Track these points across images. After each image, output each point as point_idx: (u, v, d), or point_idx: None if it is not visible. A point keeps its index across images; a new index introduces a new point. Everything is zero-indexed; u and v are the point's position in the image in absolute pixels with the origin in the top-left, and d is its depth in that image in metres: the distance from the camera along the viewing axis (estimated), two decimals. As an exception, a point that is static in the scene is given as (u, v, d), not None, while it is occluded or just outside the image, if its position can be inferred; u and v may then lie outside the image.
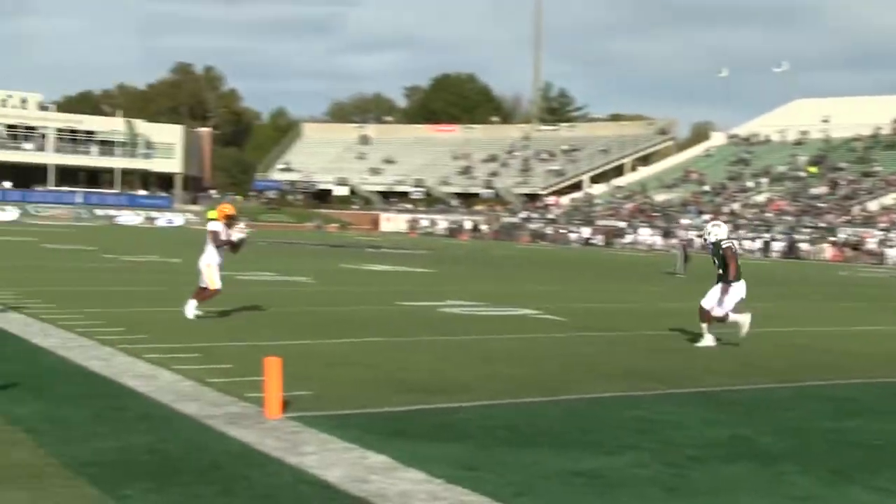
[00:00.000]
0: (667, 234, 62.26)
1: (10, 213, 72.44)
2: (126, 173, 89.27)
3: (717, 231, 12.01)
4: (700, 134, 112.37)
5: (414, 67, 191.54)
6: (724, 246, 11.84)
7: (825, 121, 74.32)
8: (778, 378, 9.34)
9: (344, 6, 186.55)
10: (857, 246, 53.50)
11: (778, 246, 56.50)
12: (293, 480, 5.09)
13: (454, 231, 76.39)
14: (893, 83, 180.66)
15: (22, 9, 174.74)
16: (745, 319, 11.61)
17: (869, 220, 56.65)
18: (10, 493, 4.68)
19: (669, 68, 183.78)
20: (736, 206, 65.27)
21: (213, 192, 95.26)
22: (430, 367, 9.14)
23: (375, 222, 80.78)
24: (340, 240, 54.55)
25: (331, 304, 15.29)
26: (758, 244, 57.57)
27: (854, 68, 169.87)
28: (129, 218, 77.14)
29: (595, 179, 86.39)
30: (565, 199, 79.56)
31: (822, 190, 64.24)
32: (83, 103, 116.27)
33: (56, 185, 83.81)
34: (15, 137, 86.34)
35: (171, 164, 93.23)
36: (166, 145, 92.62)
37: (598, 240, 65.99)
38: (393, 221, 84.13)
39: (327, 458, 5.58)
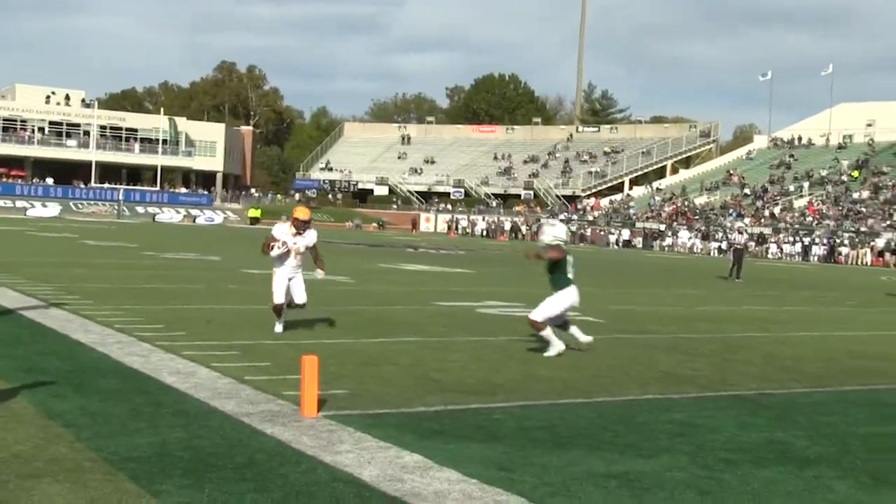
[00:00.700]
0: (706, 237, 61.80)
1: (52, 209, 73.47)
2: (167, 171, 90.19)
3: (554, 231, 10.59)
4: (742, 137, 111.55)
5: (457, 68, 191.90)
6: (551, 245, 10.40)
7: (869, 125, 73.37)
8: (815, 382, 9.23)
9: (389, 6, 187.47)
10: (899, 251, 52.80)
11: (818, 250, 55.86)
12: (328, 478, 5.11)
13: (493, 232, 76.34)
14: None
15: (67, 6, 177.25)
16: (585, 339, 10.51)
17: (912, 225, 55.89)
18: (50, 486, 4.75)
19: (713, 71, 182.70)
20: (777, 210, 64.62)
21: (253, 190, 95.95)
22: (466, 368, 9.13)
23: (415, 222, 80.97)
24: (379, 239, 54.71)
25: (369, 303, 15.33)
26: (798, 248, 56.98)
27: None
28: (170, 215, 77.90)
29: (636, 181, 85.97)
30: (605, 201, 79.21)
31: (864, 194, 63.41)
32: (126, 100, 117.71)
33: (98, 182, 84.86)
34: (59, 134, 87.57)
35: (213, 163, 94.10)
36: (208, 143, 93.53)
37: (637, 242, 65.64)
38: (432, 222, 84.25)
39: (362, 456, 5.60)
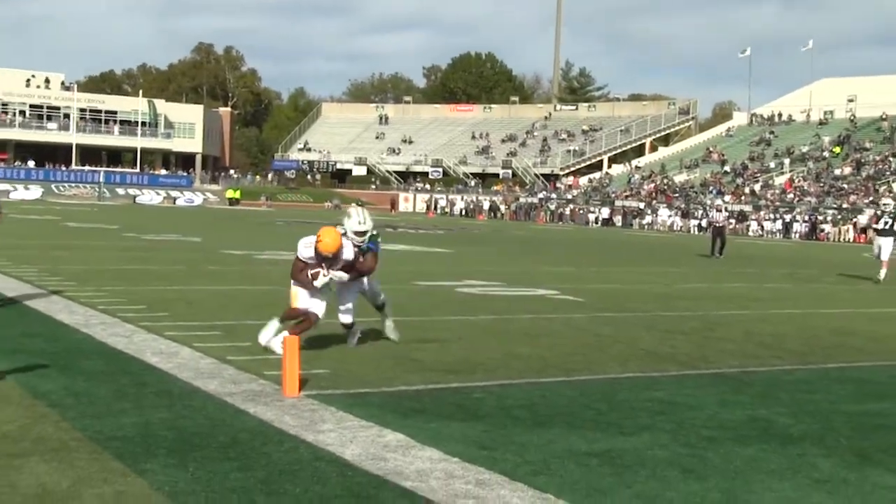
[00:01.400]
0: (685, 214, 62.05)
1: (34, 192, 73.10)
2: (147, 153, 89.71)
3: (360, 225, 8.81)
4: (721, 114, 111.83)
5: (433, 47, 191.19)
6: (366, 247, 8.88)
7: (850, 100, 73.60)
8: (798, 360, 9.30)
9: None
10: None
11: (799, 227, 56.19)
12: (311, 457, 5.15)
13: (472, 211, 76.38)
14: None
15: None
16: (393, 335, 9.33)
17: (894, 201, 56.24)
18: (37, 465, 4.77)
19: (691, 48, 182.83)
20: (757, 187, 64.92)
21: (232, 172, 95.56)
22: (446, 347, 9.18)
23: (394, 202, 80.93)
24: (359, 219, 54.53)
25: (349, 283, 15.33)
26: (778, 225, 57.29)
27: (881, 46, 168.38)
28: (150, 197, 77.56)
29: (614, 160, 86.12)
30: (584, 180, 79.34)
31: (846, 171, 63.75)
32: (105, 83, 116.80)
33: (79, 165, 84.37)
34: (39, 117, 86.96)
35: (192, 144, 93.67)
36: (187, 125, 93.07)
37: (617, 220, 65.84)
38: (411, 201, 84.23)
39: (344, 435, 5.64)
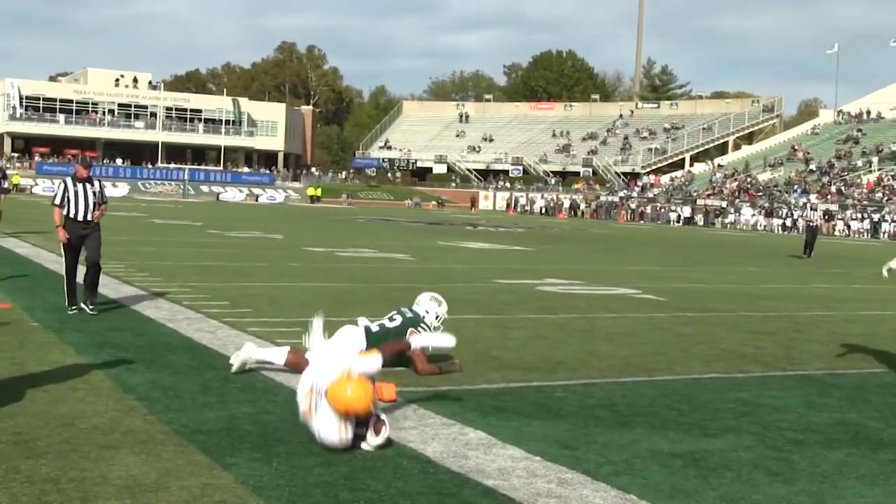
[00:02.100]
0: (769, 213, 60.86)
1: (122, 189, 74.95)
2: (230, 151, 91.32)
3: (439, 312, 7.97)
4: (807, 111, 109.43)
5: (514, 45, 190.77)
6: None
7: (942, 97, 71.42)
8: (887, 363, 9.04)
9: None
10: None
11: (889, 227, 54.69)
12: (393, 454, 5.18)
13: (552, 209, 76.05)
14: None
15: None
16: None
17: None
18: (127, 457, 4.89)
19: (776, 44, 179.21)
20: (844, 186, 63.37)
21: (313, 169, 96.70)
22: (526, 346, 9.15)
23: (473, 200, 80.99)
24: (438, 217, 54.82)
25: (429, 280, 15.39)
26: (866, 225, 55.84)
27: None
28: (233, 194, 78.89)
29: (696, 158, 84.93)
30: (665, 178, 78.38)
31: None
32: (191, 82, 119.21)
33: (164, 163, 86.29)
34: (127, 116, 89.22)
35: (274, 142, 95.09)
36: (269, 123, 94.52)
37: (699, 219, 64.91)
38: (490, 199, 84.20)
39: (426, 432, 5.66)
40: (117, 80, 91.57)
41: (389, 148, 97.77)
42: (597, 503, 4.51)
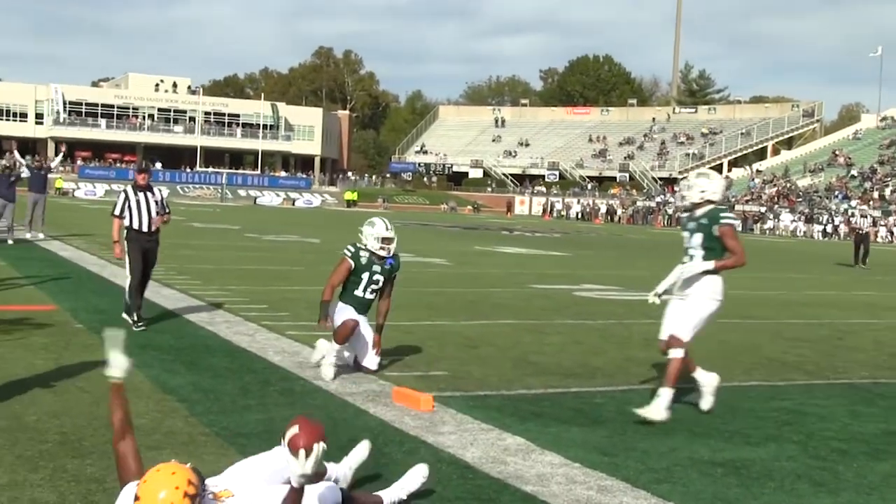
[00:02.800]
0: (809, 219, 60.19)
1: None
2: (267, 155, 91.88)
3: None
4: (848, 116, 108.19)
5: (550, 50, 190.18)
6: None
7: None
8: (931, 372, 8.89)
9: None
10: None
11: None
12: (432, 459, 5.16)
13: (588, 215, 75.75)
14: None
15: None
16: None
17: None
18: (167, 458, 4.89)
19: (816, 48, 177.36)
20: (887, 192, 62.53)
21: (350, 174, 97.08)
22: (564, 351, 9.11)
23: (509, 205, 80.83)
24: (474, 222, 54.78)
25: (466, 285, 15.39)
26: (909, 231, 55.08)
27: None
28: (270, 198, 79.34)
29: (734, 163, 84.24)
30: (704, 184, 77.69)
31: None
32: (229, 87, 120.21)
33: (202, 167, 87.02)
34: (167, 121, 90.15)
35: (311, 147, 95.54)
36: (306, 128, 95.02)
37: (737, 225, 64.35)
38: (526, 204, 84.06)
39: (465, 438, 5.64)
40: (157, 85, 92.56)
41: (425, 152, 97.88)
42: (638, 511, 4.47)
